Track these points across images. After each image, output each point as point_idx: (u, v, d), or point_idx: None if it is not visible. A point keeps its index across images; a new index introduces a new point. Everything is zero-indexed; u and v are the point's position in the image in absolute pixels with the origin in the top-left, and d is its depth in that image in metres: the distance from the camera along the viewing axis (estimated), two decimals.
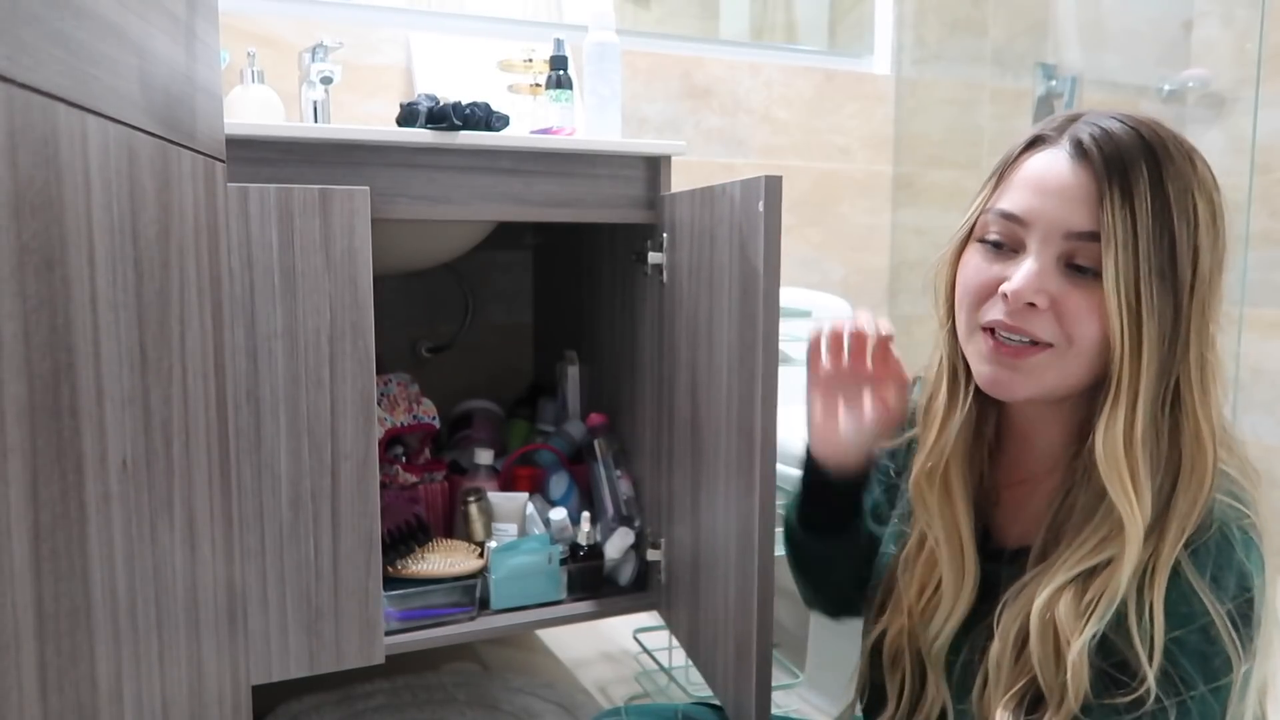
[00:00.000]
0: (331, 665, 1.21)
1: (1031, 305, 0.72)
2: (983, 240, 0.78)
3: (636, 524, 1.48)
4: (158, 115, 0.58)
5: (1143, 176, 0.70)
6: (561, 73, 1.54)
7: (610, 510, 1.51)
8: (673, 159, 1.41)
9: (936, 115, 2.29)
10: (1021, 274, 0.73)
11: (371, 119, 1.79)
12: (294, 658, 1.19)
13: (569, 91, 1.55)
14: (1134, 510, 0.70)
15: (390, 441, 1.50)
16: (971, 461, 0.85)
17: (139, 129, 0.54)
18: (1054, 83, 2.20)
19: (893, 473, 0.95)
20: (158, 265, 0.58)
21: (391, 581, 1.32)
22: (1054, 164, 0.74)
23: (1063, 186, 0.72)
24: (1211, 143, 2.40)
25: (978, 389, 0.82)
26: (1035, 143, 0.77)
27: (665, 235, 1.34)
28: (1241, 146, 2.20)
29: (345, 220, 1.16)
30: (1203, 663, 0.69)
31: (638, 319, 1.48)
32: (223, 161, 0.76)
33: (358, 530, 1.20)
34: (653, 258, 1.36)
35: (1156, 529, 0.71)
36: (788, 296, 1.08)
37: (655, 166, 1.39)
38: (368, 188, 1.17)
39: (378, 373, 1.22)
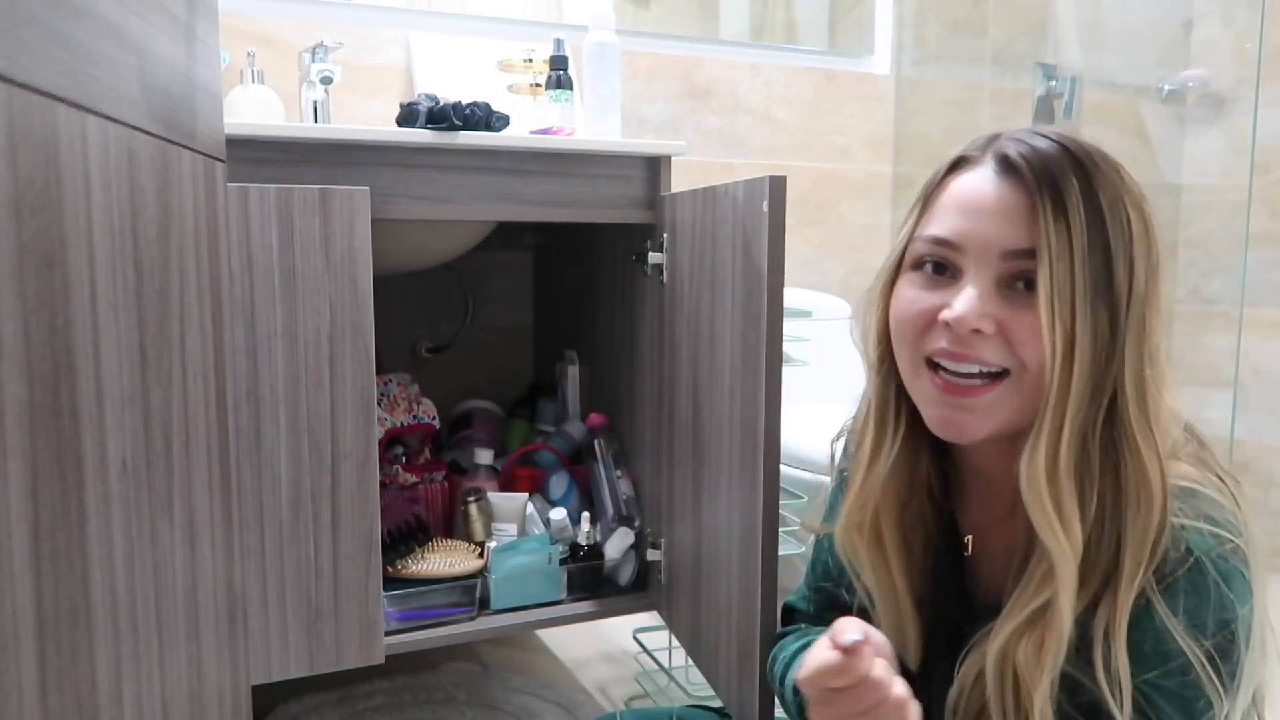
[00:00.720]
0: (331, 665, 1.21)
1: (977, 331, 0.68)
2: (916, 268, 0.74)
3: (636, 524, 1.48)
4: (158, 115, 0.58)
5: (1074, 189, 0.67)
6: (561, 73, 1.54)
7: (610, 510, 1.51)
8: (673, 159, 1.41)
9: (936, 115, 2.29)
10: (962, 300, 0.68)
11: (371, 119, 1.79)
12: (294, 658, 1.19)
13: (569, 91, 1.55)
14: (1061, 542, 0.67)
15: (390, 441, 1.50)
16: (905, 510, 0.80)
17: (139, 129, 0.54)
18: (1054, 83, 2.20)
19: None
20: (158, 265, 0.58)
21: (391, 581, 1.32)
22: (981, 183, 0.70)
23: (993, 205, 0.69)
24: (1211, 143, 2.40)
25: (909, 432, 0.78)
26: (958, 164, 0.74)
27: (665, 235, 1.34)
28: (1241, 146, 2.20)
29: (345, 220, 1.16)
30: (1183, 705, 0.66)
31: (638, 319, 1.48)
32: (223, 161, 0.76)
33: (358, 530, 1.20)
34: (653, 258, 1.36)
35: (1109, 560, 0.68)
36: (788, 296, 1.08)
37: (655, 166, 1.39)
38: (368, 188, 1.17)
39: (378, 373, 1.22)
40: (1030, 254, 0.68)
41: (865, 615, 0.86)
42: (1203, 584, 0.66)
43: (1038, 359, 0.68)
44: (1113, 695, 0.66)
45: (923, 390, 0.73)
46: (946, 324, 0.69)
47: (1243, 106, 2.27)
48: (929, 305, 0.72)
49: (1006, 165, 0.70)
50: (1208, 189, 2.41)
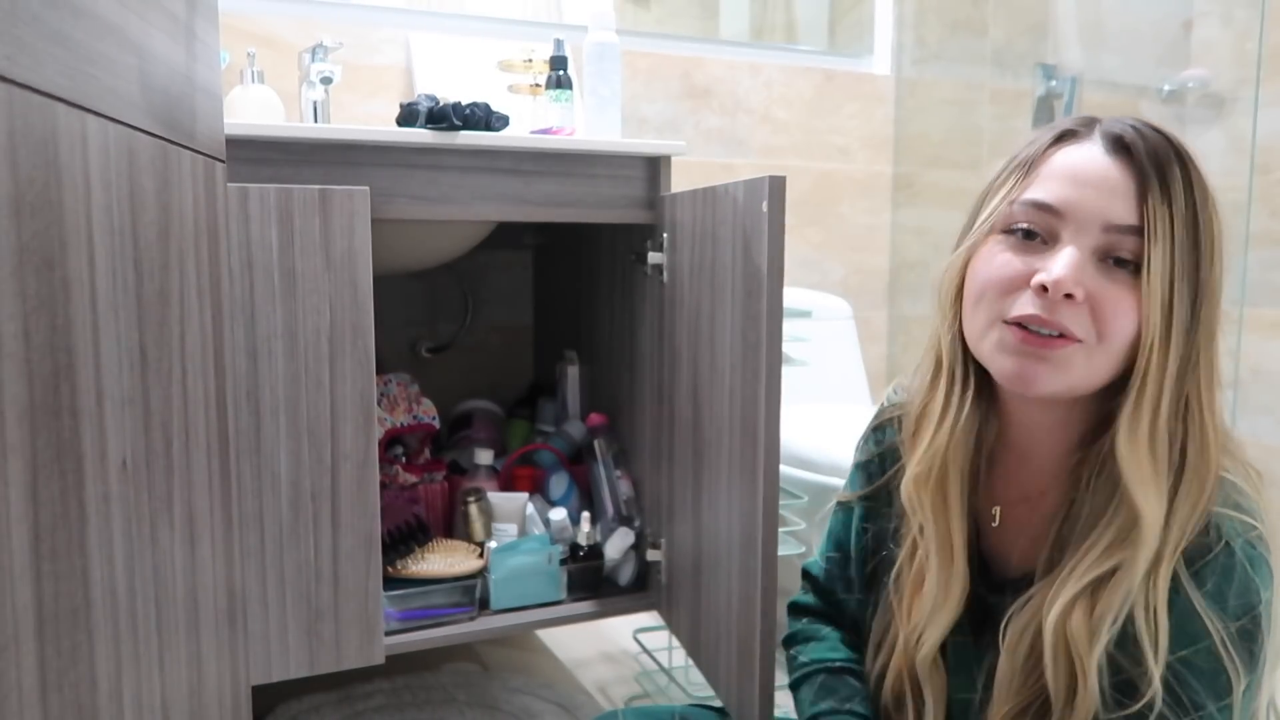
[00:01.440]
0: (331, 665, 1.21)
1: (1069, 297, 0.70)
2: (1008, 231, 0.75)
3: (636, 524, 1.48)
4: (157, 115, 0.58)
5: (1177, 177, 0.70)
6: (561, 73, 1.54)
7: (610, 510, 1.51)
8: (672, 159, 1.41)
9: (936, 115, 2.29)
10: (1063, 263, 0.70)
11: (371, 119, 1.79)
12: (294, 658, 1.19)
13: (569, 91, 1.55)
14: (1154, 507, 0.69)
15: (390, 441, 1.50)
16: (969, 472, 0.82)
17: (139, 129, 0.54)
18: (1054, 83, 2.20)
19: (873, 514, 0.93)
20: (158, 266, 0.58)
21: (391, 582, 1.32)
22: (1091, 157, 0.72)
23: (1102, 178, 0.71)
24: (1211, 143, 2.40)
25: (977, 394, 0.80)
26: (1063, 137, 0.75)
27: (665, 235, 1.34)
28: (1241, 146, 2.20)
29: (345, 220, 1.16)
30: (1211, 681, 0.69)
31: (638, 319, 1.48)
32: (223, 162, 0.76)
33: (357, 530, 1.20)
34: (653, 258, 1.36)
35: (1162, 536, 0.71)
36: (788, 296, 1.08)
37: (655, 167, 1.39)
38: (367, 188, 1.17)
39: (378, 373, 1.22)
40: (1131, 230, 0.70)
41: (876, 584, 0.90)
42: (1231, 568, 0.69)
43: (1117, 334, 0.71)
44: (1152, 660, 0.69)
45: (996, 342, 0.74)
46: (1042, 287, 0.71)
47: (1243, 106, 2.27)
48: (1020, 269, 0.73)
49: (1119, 144, 0.72)
50: None
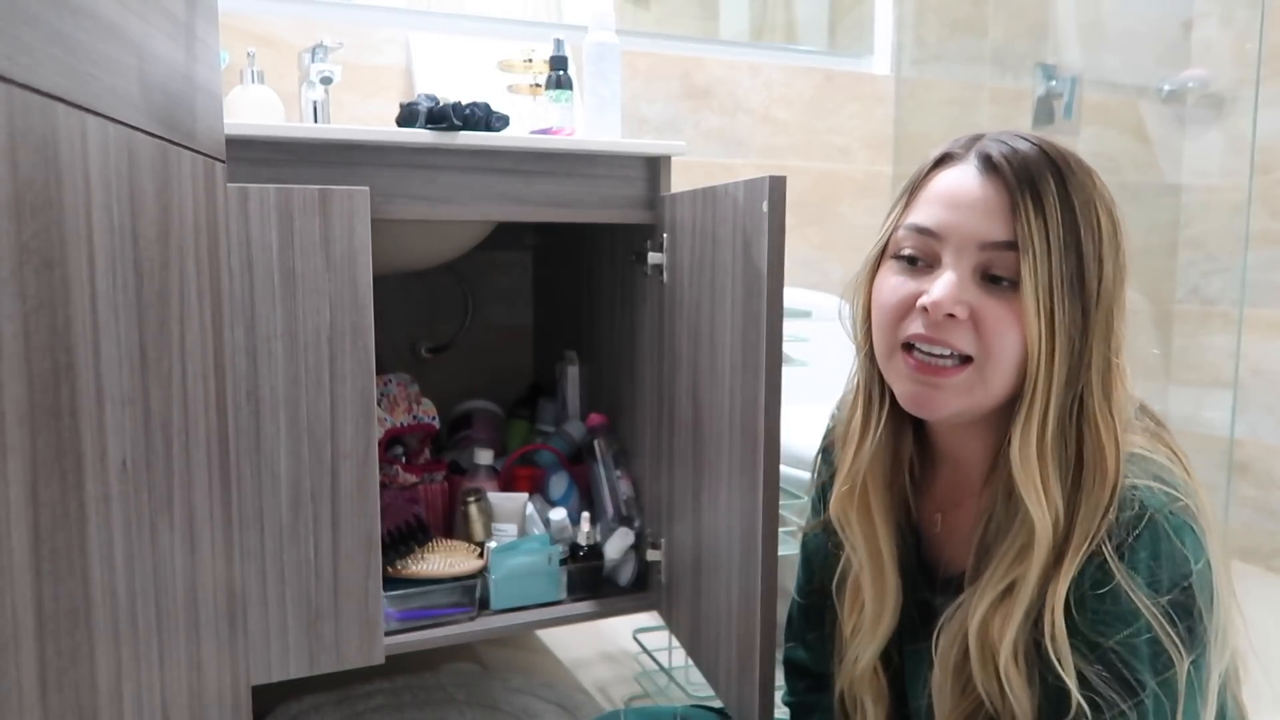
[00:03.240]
0: (331, 665, 1.21)
1: (951, 316, 0.73)
2: (897, 257, 0.78)
3: (636, 524, 1.48)
4: (157, 115, 0.58)
5: (1050, 189, 0.72)
6: (561, 73, 1.54)
7: (610, 510, 1.51)
8: (672, 159, 1.41)
9: (936, 115, 2.29)
10: (940, 285, 0.73)
11: (371, 119, 1.79)
12: (294, 658, 1.19)
13: (569, 92, 1.55)
14: (1045, 515, 0.71)
15: (390, 441, 1.50)
16: (891, 484, 0.85)
17: (139, 129, 0.54)
18: (1054, 83, 2.20)
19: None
20: (158, 266, 0.58)
21: (391, 582, 1.32)
22: (964, 178, 0.75)
23: (976, 199, 0.74)
24: (1211, 143, 2.40)
25: (892, 410, 0.83)
26: (942, 160, 0.78)
27: (665, 235, 1.34)
28: (1241, 146, 2.20)
29: (345, 220, 1.16)
30: (1152, 660, 0.69)
31: (638, 319, 1.48)
32: (223, 162, 0.76)
33: (357, 530, 1.20)
34: (653, 258, 1.36)
35: (1064, 535, 0.72)
36: (788, 297, 1.08)
37: (655, 167, 1.39)
38: (367, 188, 1.17)
39: (378, 373, 1.22)
40: (1007, 246, 0.72)
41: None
42: (1157, 539, 0.70)
43: (1001, 349, 0.73)
44: (1058, 662, 0.70)
45: (897, 369, 0.78)
46: (924, 308, 0.74)
47: (1242, 106, 2.27)
48: (907, 293, 0.77)
49: (989, 163, 0.74)
50: (1208, 189, 2.41)
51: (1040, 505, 0.71)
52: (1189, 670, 0.69)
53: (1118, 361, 0.74)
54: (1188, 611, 0.69)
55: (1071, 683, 0.70)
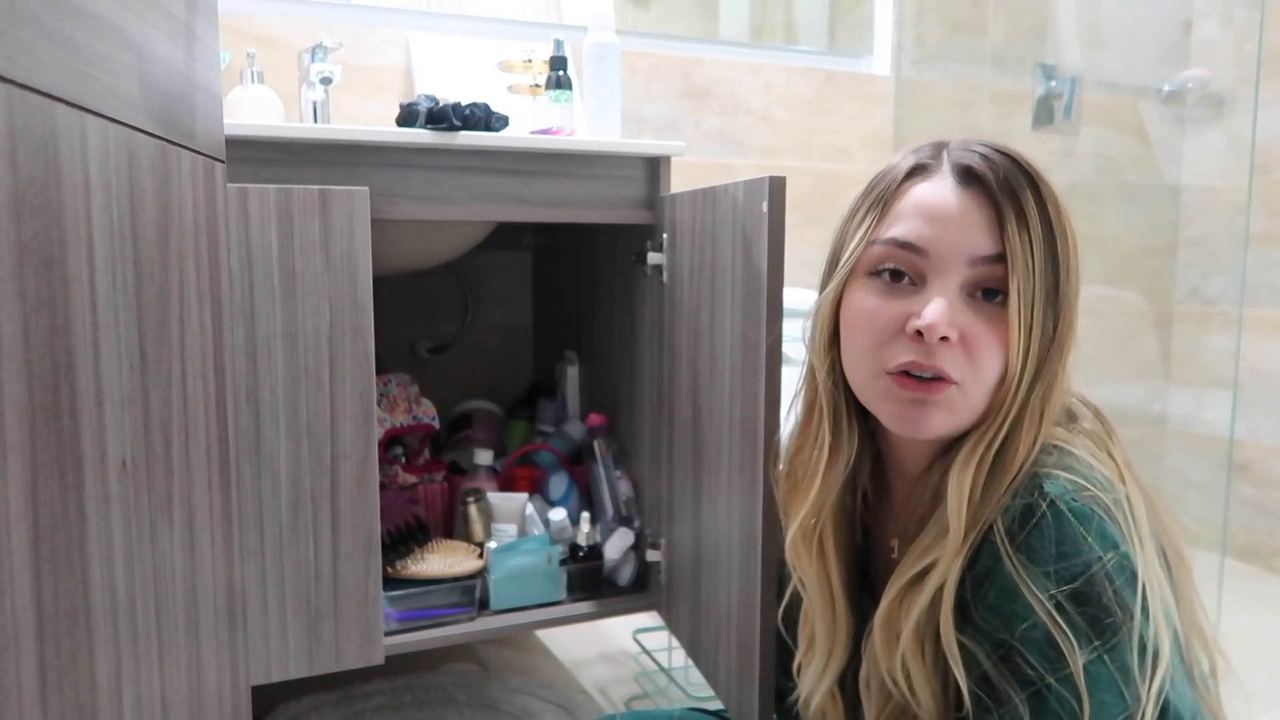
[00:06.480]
0: (331, 666, 1.21)
1: (944, 339, 0.70)
2: (873, 274, 0.75)
3: (636, 524, 1.48)
4: (157, 115, 0.58)
5: (1029, 198, 0.71)
6: (561, 73, 1.54)
7: (610, 511, 1.51)
8: (672, 159, 1.41)
9: (936, 116, 2.29)
10: (933, 309, 0.70)
11: (371, 119, 1.79)
12: (294, 658, 1.19)
13: (569, 92, 1.55)
14: (961, 504, 0.70)
15: (390, 442, 1.50)
16: (845, 514, 0.83)
17: (138, 129, 0.54)
18: (1054, 83, 2.20)
19: None
20: (157, 266, 0.58)
21: (391, 582, 1.32)
22: (944, 190, 0.73)
23: (960, 212, 0.72)
24: (1211, 143, 2.40)
25: (860, 435, 0.80)
26: (915, 171, 0.75)
27: (665, 236, 1.34)
28: (1241, 147, 2.20)
29: (345, 221, 1.16)
30: (1046, 652, 0.66)
31: (637, 319, 1.48)
32: (222, 162, 0.76)
33: (357, 531, 1.20)
34: (653, 258, 1.36)
35: (970, 522, 0.72)
36: (788, 297, 1.08)
37: (655, 167, 1.39)
38: (367, 188, 1.17)
39: (378, 373, 1.22)
40: (996, 259, 0.71)
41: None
42: (1057, 527, 0.67)
43: (990, 369, 0.71)
44: (951, 657, 0.70)
45: (883, 391, 0.74)
46: (917, 332, 0.71)
47: (1242, 107, 2.27)
48: (892, 315, 0.73)
49: (969, 175, 0.72)
50: (1207, 189, 2.41)
51: (959, 496, 0.71)
52: (1103, 661, 0.65)
53: (1065, 375, 0.73)
54: (1091, 601, 0.65)
55: (959, 670, 0.69)
